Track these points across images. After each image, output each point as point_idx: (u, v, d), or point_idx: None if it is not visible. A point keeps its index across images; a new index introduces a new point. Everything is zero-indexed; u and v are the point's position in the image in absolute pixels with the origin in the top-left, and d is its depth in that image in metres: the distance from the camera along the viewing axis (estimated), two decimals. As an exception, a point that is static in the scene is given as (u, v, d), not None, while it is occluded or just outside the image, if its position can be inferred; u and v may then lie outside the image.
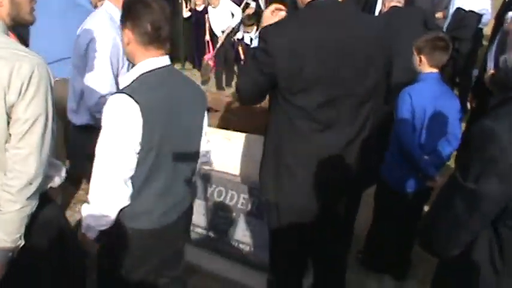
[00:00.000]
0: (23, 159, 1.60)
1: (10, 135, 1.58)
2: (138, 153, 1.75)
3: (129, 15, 1.79)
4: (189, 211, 2.12)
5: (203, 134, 2.05)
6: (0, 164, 1.61)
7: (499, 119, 1.31)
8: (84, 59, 2.69)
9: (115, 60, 2.69)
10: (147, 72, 1.81)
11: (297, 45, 1.88)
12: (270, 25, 2.00)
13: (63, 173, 1.87)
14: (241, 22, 7.49)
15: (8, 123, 1.57)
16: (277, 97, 1.99)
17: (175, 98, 1.85)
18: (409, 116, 2.84)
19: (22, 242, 1.68)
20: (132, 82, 1.79)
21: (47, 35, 3.46)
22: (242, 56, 7.48)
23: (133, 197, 1.81)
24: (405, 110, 2.84)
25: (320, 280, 2.40)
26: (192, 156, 2.00)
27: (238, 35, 7.74)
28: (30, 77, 1.56)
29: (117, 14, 2.61)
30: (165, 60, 1.85)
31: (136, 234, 1.86)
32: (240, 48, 7.66)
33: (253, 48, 2.11)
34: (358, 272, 3.25)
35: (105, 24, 2.67)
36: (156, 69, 1.82)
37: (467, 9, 5.81)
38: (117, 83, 2.72)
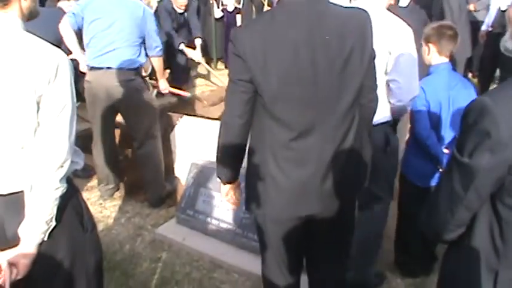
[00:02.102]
0: (54, 143, 1.69)
1: (38, 123, 1.67)
2: None
3: None
4: None
5: None
6: (29, 150, 1.69)
7: (493, 94, 1.37)
8: None
9: None
10: None
11: (267, 46, 1.80)
12: (239, 27, 1.93)
13: (83, 159, 1.93)
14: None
15: (36, 111, 1.67)
16: (257, 106, 1.92)
17: None
18: (424, 111, 2.80)
19: (53, 224, 1.75)
20: None
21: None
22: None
23: None
24: (420, 105, 2.79)
25: (315, 285, 2.37)
26: None
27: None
28: (57, 69, 1.66)
29: None
30: None
31: None
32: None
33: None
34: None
35: None
36: None
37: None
38: None
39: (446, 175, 1.44)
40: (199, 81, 8.06)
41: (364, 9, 1.89)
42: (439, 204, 1.45)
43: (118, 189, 4.39)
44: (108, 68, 3.82)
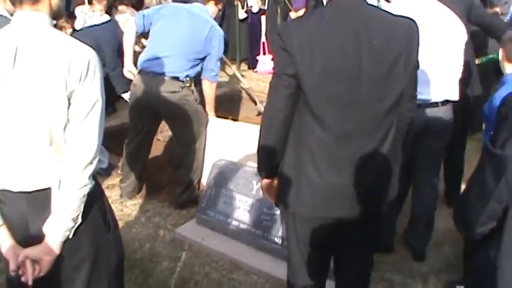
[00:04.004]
0: (85, 140, 1.70)
1: (68, 119, 1.69)
2: None
3: None
4: None
5: None
6: (57, 147, 1.71)
7: None
8: None
9: None
10: None
11: (315, 44, 1.82)
12: (290, 22, 1.94)
13: (107, 158, 1.95)
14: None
15: (67, 108, 1.68)
16: (299, 103, 1.94)
17: None
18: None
19: (80, 221, 1.76)
20: None
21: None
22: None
23: None
24: (490, 117, 2.74)
25: None
26: None
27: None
28: (88, 65, 1.68)
29: None
30: None
31: None
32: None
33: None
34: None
35: None
36: None
37: None
38: None
39: (479, 168, 1.46)
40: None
41: (413, 20, 1.92)
42: (471, 197, 1.48)
43: (139, 192, 4.40)
44: (155, 73, 3.83)
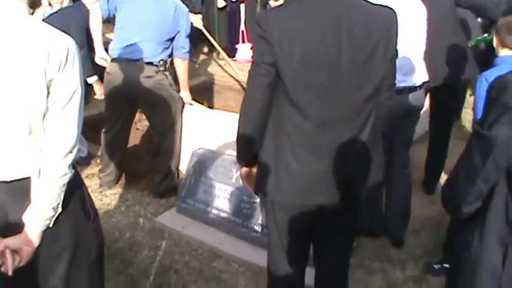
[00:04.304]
0: (64, 129, 1.69)
1: (47, 108, 1.68)
2: None
3: None
4: None
5: None
6: (36, 136, 1.70)
7: None
8: None
9: None
10: None
11: (294, 32, 1.83)
12: (269, 10, 1.94)
13: (86, 147, 1.94)
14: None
15: (46, 96, 1.66)
16: (278, 92, 1.94)
17: None
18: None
19: (60, 210, 1.76)
20: None
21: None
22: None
23: None
24: (481, 96, 2.80)
25: (322, 276, 2.38)
26: None
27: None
28: (67, 53, 1.66)
29: None
30: None
31: None
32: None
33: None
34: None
35: None
36: None
37: None
38: None
39: (467, 149, 1.51)
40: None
41: (391, 8, 1.94)
42: (459, 177, 1.53)
43: (118, 181, 4.38)
44: (129, 60, 3.81)
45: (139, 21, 3.82)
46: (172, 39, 4.00)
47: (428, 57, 3.19)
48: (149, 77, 3.86)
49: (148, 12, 3.83)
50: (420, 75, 3.15)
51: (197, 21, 6.62)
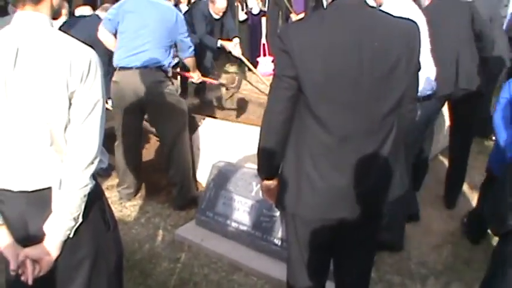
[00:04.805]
0: (86, 140, 1.71)
1: (69, 119, 1.70)
2: None
3: None
4: None
5: None
6: (58, 147, 1.72)
7: None
8: None
9: None
10: None
11: (316, 46, 1.82)
12: (290, 24, 1.95)
13: (107, 158, 1.95)
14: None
15: (68, 108, 1.69)
16: (299, 105, 1.93)
17: None
18: (507, 106, 2.77)
19: (80, 221, 1.77)
20: None
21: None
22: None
23: None
24: (503, 100, 2.77)
25: None
26: None
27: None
28: (89, 65, 1.68)
29: None
30: None
31: None
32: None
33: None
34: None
35: None
36: None
37: None
38: None
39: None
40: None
41: (414, 21, 1.93)
42: (502, 195, 1.53)
43: (137, 194, 4.40)
44: (137, 67, 3.85)
45: (144, 29, 3.87)
46: (173, 44, 4.12)
47: (443, 67, 3.24)
48: (158, 82, 3.91)
49: (150, 20, 3.88)
50: (433, 84, 3.20)
51: (235, 49, 6.39)
